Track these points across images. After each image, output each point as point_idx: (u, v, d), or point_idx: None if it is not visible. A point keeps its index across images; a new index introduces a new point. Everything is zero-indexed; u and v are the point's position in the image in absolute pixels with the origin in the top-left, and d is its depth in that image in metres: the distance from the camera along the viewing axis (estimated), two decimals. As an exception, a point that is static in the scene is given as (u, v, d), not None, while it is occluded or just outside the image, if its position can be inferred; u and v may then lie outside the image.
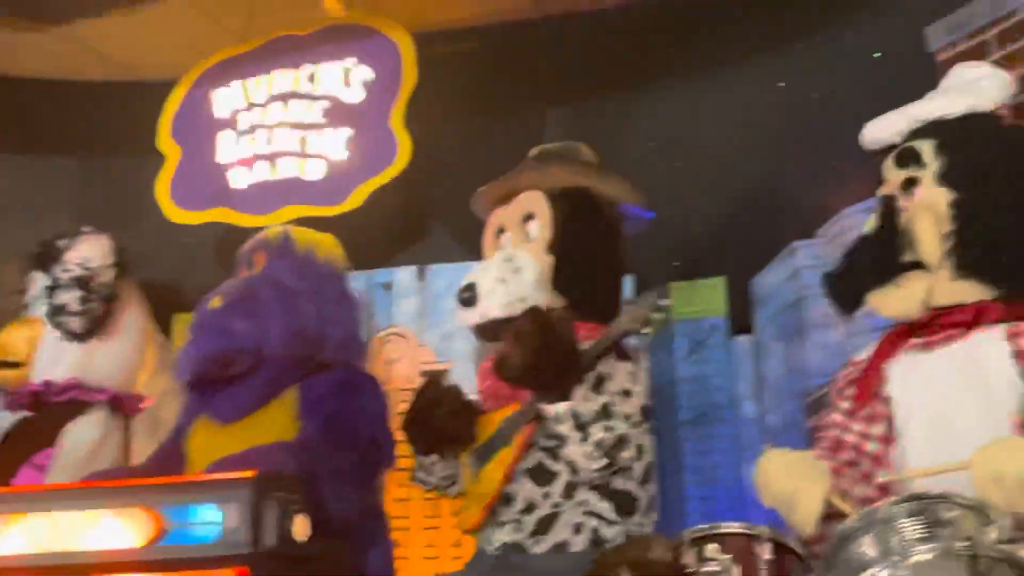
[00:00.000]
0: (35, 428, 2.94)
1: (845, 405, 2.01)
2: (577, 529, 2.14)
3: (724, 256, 2.86)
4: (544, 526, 2.16)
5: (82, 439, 2.86)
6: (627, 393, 2.18)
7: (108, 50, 3.28)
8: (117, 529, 1.83)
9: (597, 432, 2.07)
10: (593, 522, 2.14)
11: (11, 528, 1.90)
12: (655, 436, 2.35)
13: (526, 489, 2.20)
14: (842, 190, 2.64)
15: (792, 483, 1.79)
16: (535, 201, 2.39)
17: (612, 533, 2.14)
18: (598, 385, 2.20)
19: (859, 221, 2.58)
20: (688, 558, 1.66)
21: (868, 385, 1.98)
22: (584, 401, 2.08)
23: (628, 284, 2.56)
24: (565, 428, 2.08)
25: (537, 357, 2.02)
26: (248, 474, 1.84)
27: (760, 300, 2.82)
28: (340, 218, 3.00)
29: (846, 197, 2.64)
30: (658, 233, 2.62)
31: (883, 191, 2.05)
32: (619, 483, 2.17)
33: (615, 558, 1.69)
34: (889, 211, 1.95)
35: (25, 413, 3.01)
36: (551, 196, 2.37)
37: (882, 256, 1.92)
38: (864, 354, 2.05)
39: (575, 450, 2.09)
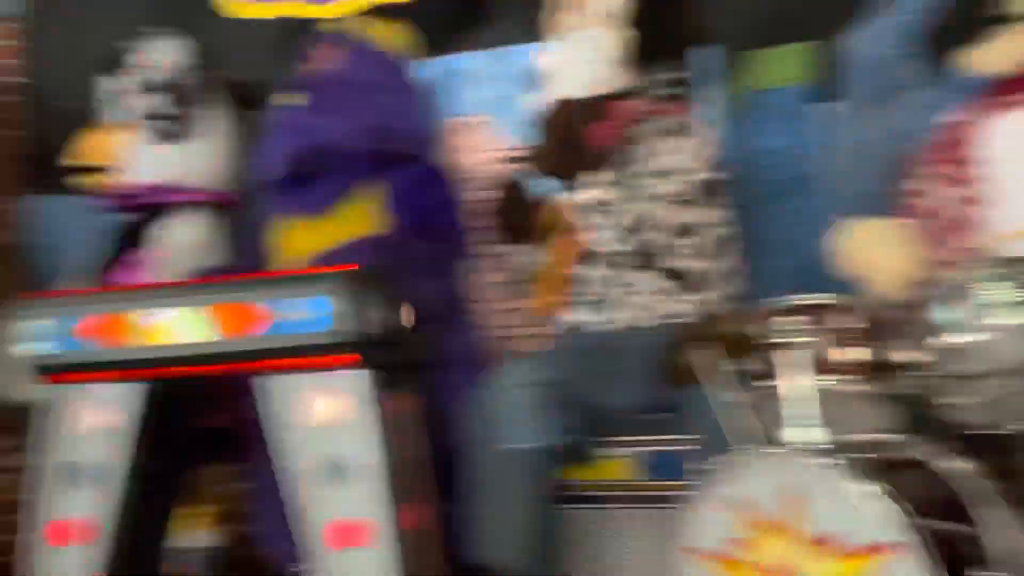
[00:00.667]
0: (136, 230, 3.06)
1: (937, 168, 1.96)
2: (646, 307, 2.19)
3: (809, 18, 2.70)
4: (614, 305, 2.22)
5: (181, 238, 2.95)
6: (677, 171, 2.15)
7: None
8: (229, 322, 1.94)
9: (624, 216, 2.07)
10: (662, 299, 2.19)
11: (128, 322, 2.04)
12: (736, 209, 2.35)
13: (590, 272, 2.26)
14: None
15: (879, 250, 1.78)
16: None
17: (682, 309, 2.18)
18: (640, 164, 2.18)
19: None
20: (767, 329, 1.69)
21: (961, 147, 1.91)
22: (611, 185, 2.07)
23: (705, 56, 2.45)
24: (594, 214, 2.10)
25: (558, 147, 2.00)
26: (353, 266, 1.91)
27: (848, 63, 2.68)
28: (408, 5, 2.91)
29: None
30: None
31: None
32: (685, 260, 2.20)
33: (699, 330, 1.74)
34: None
35: (122, 218, 3.12)
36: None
37: (982, 8, 1.81)
38: (957, 115, 1.97)
39: (605, 235, 2.11)
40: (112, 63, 3.05)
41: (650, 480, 2.13)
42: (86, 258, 3.02)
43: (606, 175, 2.06)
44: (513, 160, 2.97)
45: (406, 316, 2.04)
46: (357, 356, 1.95)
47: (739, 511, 1.51)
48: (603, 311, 2.25)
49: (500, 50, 3.05)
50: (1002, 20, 1.79)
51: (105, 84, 3.14)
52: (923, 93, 2.52)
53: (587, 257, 2.28)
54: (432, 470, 2.06)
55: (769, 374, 1.64)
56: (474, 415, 2.09)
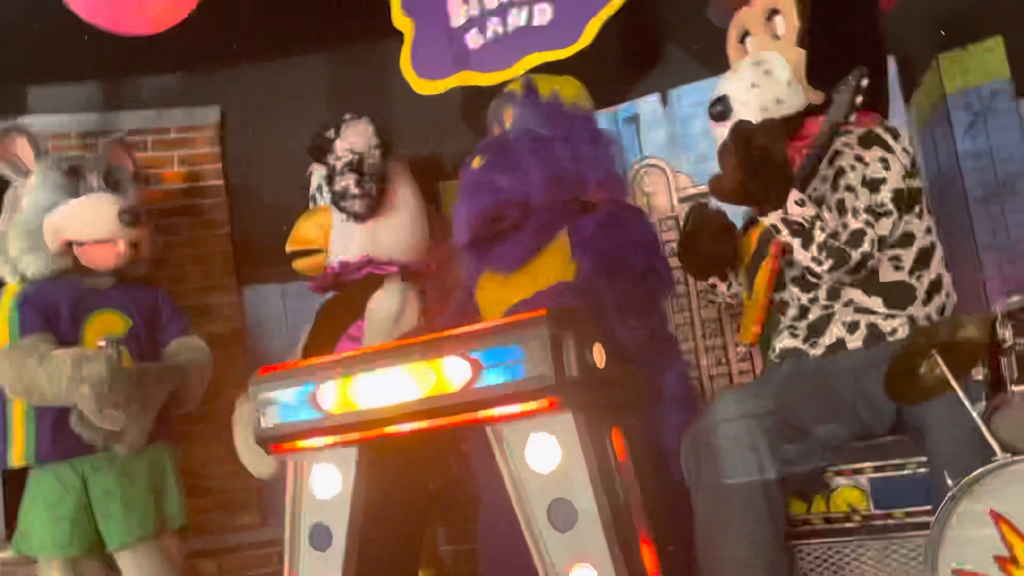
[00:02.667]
0: (343, 305, 3.23)
1: None
2: (851, 328, 2.11)
3: (999, 12, 2.57)
4: (818, 329, 2.15)
5: (385, 308, 3.11)
6: (873, 182, 2.06)
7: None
8: (439, 378, 2.00)
9: (818, 235, 1.99)
10: (866, 318, 2.10)
11: (348, 388, 2.14)
12: (941, 217, 2.24)
13: (795, 295, 2.20)
14: None
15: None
16: (776, -4, 2.26)
17: (890, 326, 2.08)
18: (834, 180, 2.11)
19: None
20: (1004, 333, 1.58)
21: None
22: (802, 205, 2.00)
23: (892, 64, 2.37)
24: (785, 236, 2.03)
25: (739, 173, 1.95)
26: (543, 312, 1.94)
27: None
28: (577, 58, 2.97)
29: None
30: (919, 1, 2.40)
31: None
32: (887, 274, 2.10)
33: (924, 342, 1.64)
34: None
35: (331, 293, 3.31)
36: (791, -13, 2.23)
37: None
38: None
39: (801, 256, 2.04)
40: (313, 151, 3.27)
41: (879, 509, 2.01)
42: (302, 336, 3.22)
43: (799, 195, 2.01)
44: (700, 194, 2.97)
45: (600, 357, 2.04)
46: (559, 399, 1.95)
47: (1006, 525, 1.40)
48: (811, 335, 2.18)
49: (675, 90, 3.05)
50: None
51: (309, 172, 3.38)
52: None
53: (790, 281, 2.23)
54: (653, 510, 2.03)
55: (1011, 378, 1.53)
56: (691, 451, 2.05)
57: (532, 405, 1.94)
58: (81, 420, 2.88)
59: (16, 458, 2.96)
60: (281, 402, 2.21)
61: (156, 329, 3.22)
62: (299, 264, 3.33)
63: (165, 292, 3.40)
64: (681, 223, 2.93)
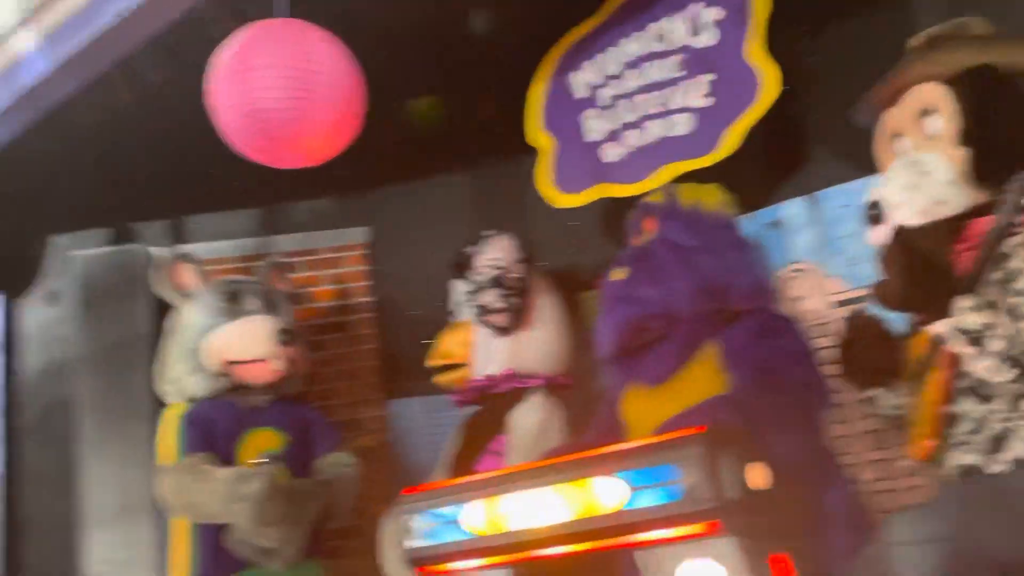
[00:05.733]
0: (485, 419, 3.23)
1: None
2: None
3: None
4: (998, 444, 1.98)
5: (528, 423, 3.09)
6: None
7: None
8: (588, 499, 1.95)
9: (995, 343, 1.85)
10: None
11: (496, 508, 2.11)
12: None
13: (970, 407, 2.04)
14: None
15: None
16: (931, 92, 2.17)
17: None
18: (1005, 284, 1.96)
19: None
20: None
21: None
22: (974, 311, 1.86)
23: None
24: (956, 346, 1.89)
25: (902, 279, 1.85)
26: (700, 430, 1.87)
27: None
28: (718, 165, 2.95)
29: None
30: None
31: None
32: None
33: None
34: None
35: (474, 408, 3.31)
36: (949, 82, 2.15)
37: None
38: None
39: (976, 366, 1.89)
40: (455, 267, 3.34)
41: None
42: (446, 452, 3.22)
43: (970, 300, 1.89)
44: (857, 300, 2.85)
45: (763, 476, 1.94)
46: (718, 523, 1.86)
47: None
48: (990, 450, 2.01)
49: (822, 192, 2.97)
50: None
51: (453, 287, 3.45)
52: None
53: (964, 391, 2.07)
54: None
55: None
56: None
57: (690, 529, 1.85)
58: (239, 537, 2.94)
59: (179, 575, 3.05)
60: (427, 523, 2.19)
61: (309, 445, 3.29)
62: (442, 378, 3.36)
63: (316, 408, 3.50)
64: (835, 330, 2.81)
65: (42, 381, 3.88)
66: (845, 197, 2.89)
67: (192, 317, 3.30)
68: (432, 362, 3.36)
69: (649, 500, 1.90)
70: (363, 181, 3.94)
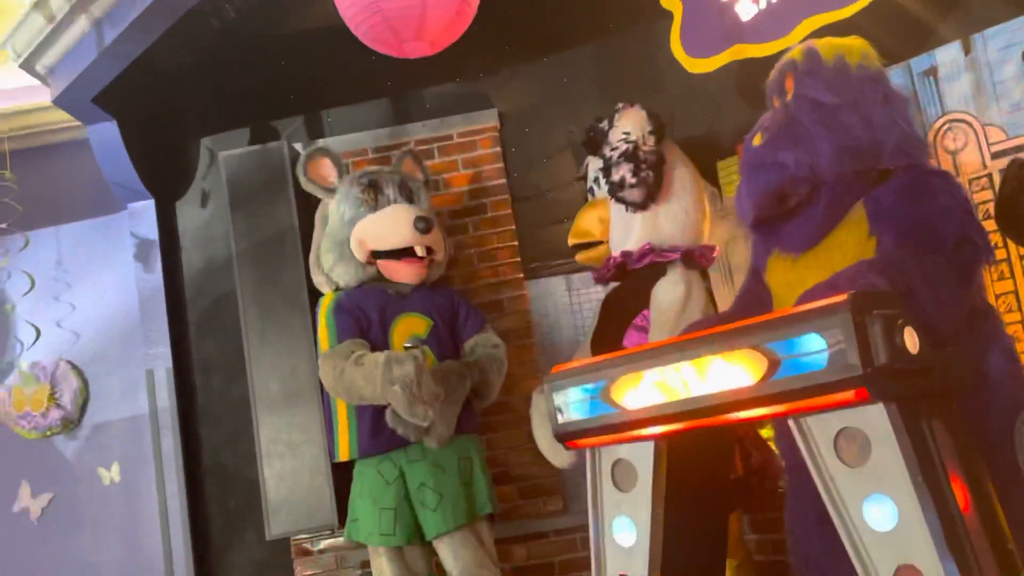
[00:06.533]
0: (627, 295, 3.23)
1: None
2: None
3: None
4: None
5: (670, 296, 3.07)
6: None
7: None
8: (733, 372, 1.93)
9: None
10: None
11: (641, 383, 2.12)
12: None
13: None
14: None
15: None
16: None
17: None
18: None
19: None
20: None
21: None
22: None
23: None
24: None
25: None
26: (843, 296, 1.81)
27: None
28: (860, 14, 2.75)
29: None
30: None
31: None
32: None
33: None
34: None
35: (615, 284, 3.32)
36: None
37: None
38: None
39: None
40: (588, 143, 3.29)
41: None
42: (589, 328, 3.26)
43: None
44: (1015, 150, 2.66)
45: (911, 340, 1.86)
46: (867, 390, 1.81)
47: None
48: None
49: (978, 35, 2.74)
50: None
51: (586, 164, 3.41)
52: None
53: None
54: (984, 507, 1.84)
55: None
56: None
57: (838, 398, 1.81)
58: (395, 417, 3.09)
59: (342, 453, 3.24)
60: (576, 399, 2.23)
61: (455, 328, 3.38)
62: (581, 256, 3.37)
63: (460, 292, 3.58)
64: (997, 182, 2.63)
65: (205, 278, 4.12)
66: (1004, 38, 2.67)
67: (336, 210, 3.39)
68: (571, 241, 3.36)
69: (795, 370, 1.87)
70: (490, 62, 3.90)
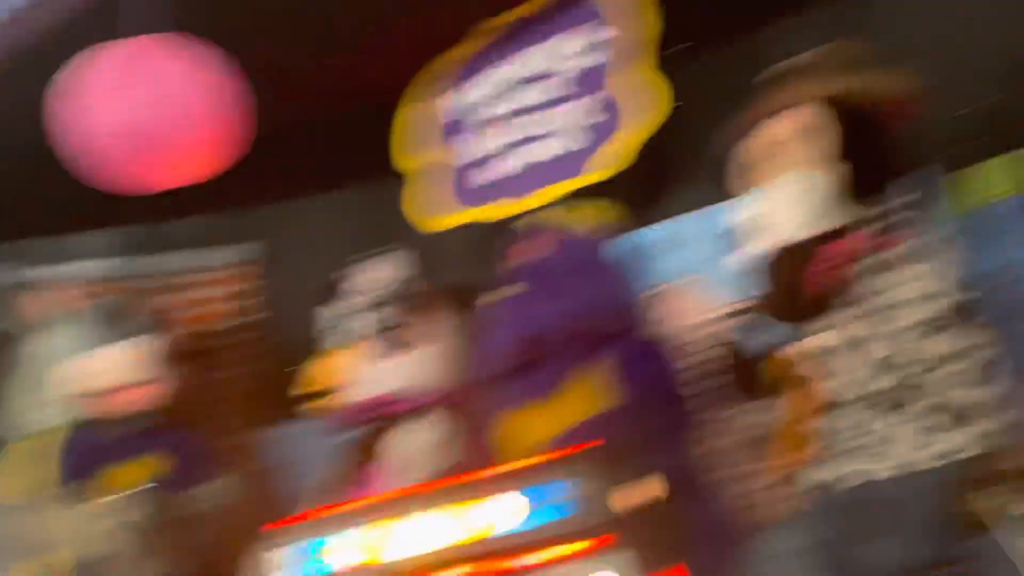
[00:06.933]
0: (367, 445, 3.17)
1: None
2: (910, 450, 2.01)
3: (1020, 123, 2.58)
4: (871, 454, 2.05)
5: (420, 444, 3.05)
6: (921, 298, 2.01)
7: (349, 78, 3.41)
8: (483, 518, 1.92)
9: (869, 354, 1.93)
10: (927, 439, 2.01)
11: (384, 534, 2.06)
12: (991, 330, 2.18)
13: (847, 417, 2.11)
14: None
15: None
16: (806, 114, 2.27)
17: (953, 447, 1.99)
18: (880, 297, 2.06)
19: None
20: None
21: None
22: (838, 328, 1.94)
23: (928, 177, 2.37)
24: (831, 357, 1.96)
25: (780, 294, 1.92)
26: (592, 445, 1.88)
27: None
28: (601, 185, 2.99)
29: None
30: (946, 114, 2.42)
31: None
32: (949, 392, 2.02)
33: (978, 470, 1.56)
34: None
35: (359, 431, 3.24)
36: (822, 104, 2.25)
37: None
38: None
39: (848, 379, 1.97)
40: (335, 289, 3.27)
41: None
42: (326, 478, 3.15)
43: (840, 316, 1.96)
44: (732, 316, 2.93)
45: (658, 488, 1.96)
46: (614, 536, 1.87)
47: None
48: (860, 460, 2.08)
49: (704, 210, 3.04)
50: None
51: (331, 309, 3.37)
52: None
53: (832, 405, 2.15)
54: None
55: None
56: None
57: (587, 544, 1.85)
58: (119, 566, 2.80)
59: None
60: (292, 562, 2.11)
61: (186, 472, 3.15)
62: (324, 402, 3.29)
63: (193, 433, 3.35)
64: (710, 347, 2.88)
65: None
66: (724, 213, 2.97)
67: (50, 344, 3.13)
68: (314, 386, 3.28)
69: (546, 517, 1.90)
70: (247, 197, 3.83)
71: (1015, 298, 2.56)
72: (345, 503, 2.64)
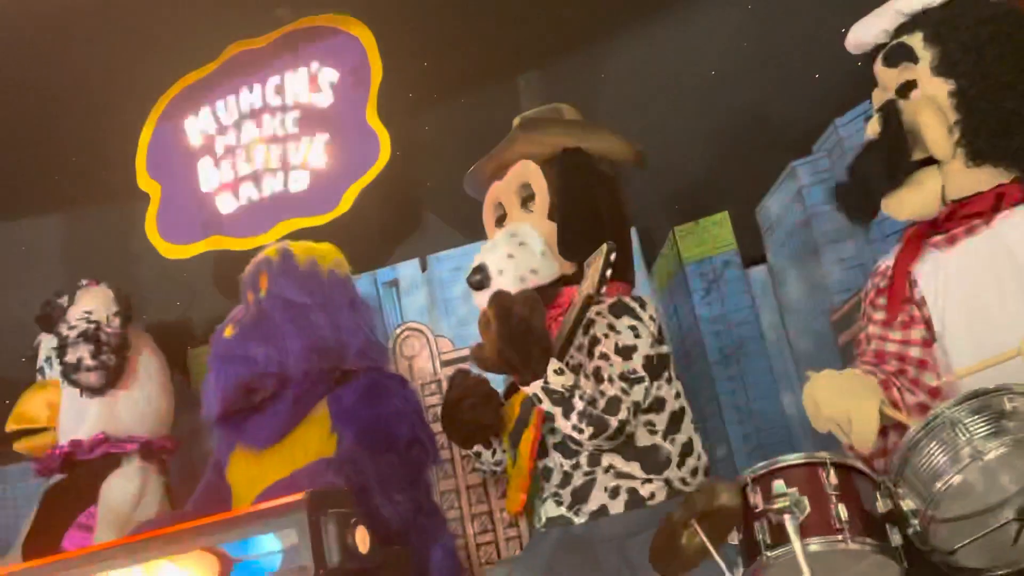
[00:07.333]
0: (72, 489, 2.92)
1: (879, 315, 1.99)
2: (613, 493, 2.12)
3: (724, 190, 2.82)
4: (581, 495, 2.15)
5: (122, 492, 2.84)
6: (625, 349, 2.14)
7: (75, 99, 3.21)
8: (190, 572, 1.81)
9: (577, 403, 2.04)
10: (626, 483, 2.12)
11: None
12: (687, 380, 2.34)
13: (558, 462, 2.20)
14: (832, 101, 2.61)
15: (844, 402, 1.76)
16: (527, 170, 2.36)
17: (648, 490, 2.11)
18: (589, 349, 2.17)
19: (855, 130, 2.57)
20: (754, 498, 1.63)
21: (898, 291, 1.95)
22: (561, 374, 2.04)
23: (633, 236, 2.52)
24: (546, 405, 2.06)
25: (499, 343, 1.99)
26: (300, 496, 1.82)
27: (768, 227, 2.80)
28: (334, 224, 2.96)
29: (837, 108, 2.60)
30: (655, 179, 2.59)
31: (879, 95, 2.02)
32: (642, 439, 2.14)
33: (684, 512, 1.67)
34: (890, 113, 1.91)
35: (59, 476, 2.99)
36: (543, 162, 2.34)
37: (890, 158, 1.89)
38: (887, 262, 2.02)
39: (562, 424, 2.07)
40: (42, 320, 3.01)
41: None
42: (25, 529, 2.87)
43: (558, 364, 2.04)
44: (462, 358, 2.97)
45: (363, 539, 1.93)
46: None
47: None
48: (575, 502, 2.16)
49: (433, 256, 3.08)
50: (916, 165, 1.88)
51: (37, 342, 3.10)
52: (845, 245, 2.64)
53: (551, 448, 2.23)
54: None
55: (764, 543, 1.58)
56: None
57: (290, 599, 1.78)
58: None
59: None
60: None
61: None
62: (23, 444, 3.01)
63: None
64: (442, 389, 2.91)
65: None
66: (456, 261, 3.03)
67: None
68: (11, 426, 2.99)
69: (249, 572, 1.82)
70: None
71: (710, 351, 2.78)
72: (47, 560, 2.42)
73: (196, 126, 3.21)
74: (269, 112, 3.09)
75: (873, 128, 1.94)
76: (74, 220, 3.65)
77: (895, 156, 1.88)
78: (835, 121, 2.65)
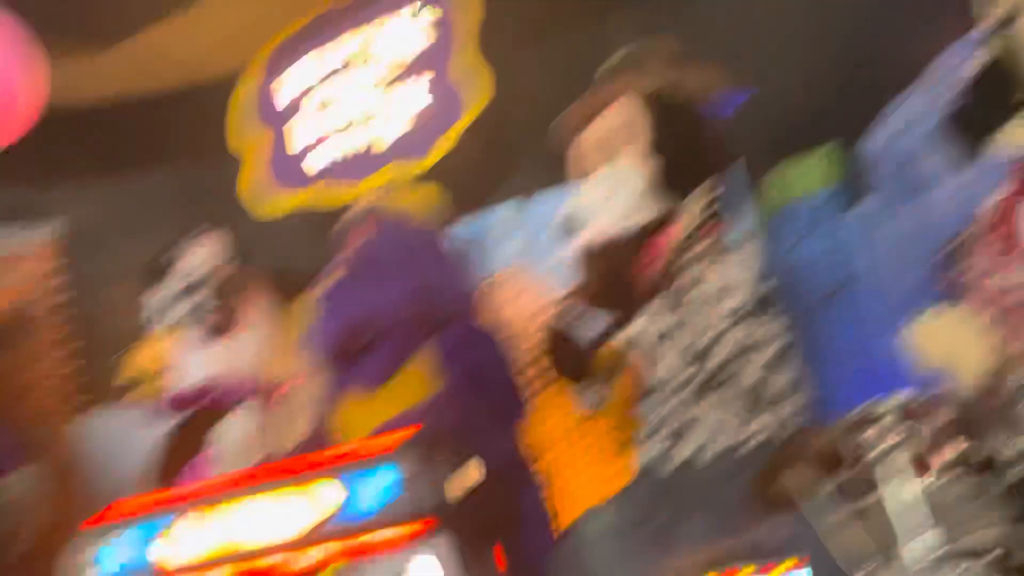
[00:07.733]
0: (189, 433, 3.06)
1: (994, 250, 1.93)
2: (722, 433, 2.12)
3: (828, 125, 2.74)
4: (680, 436, 2.15)
5: (236, 435, 2.96)
6: (728, 289, 2.12)
7: (174, 56, 3.30)
8: (304, 507, 1.91)
9: (678, 343, 2.03)
10: (737, 422, 2.12)
11: (200, 525, 2.01)
12: (789, 319, 2.31)
13: (656, 404, 2.20)
14: (943, 32, 2.50)
15: (955, 340, 1.73)
16: (626, 108, 2.34)
17: (759, 428, 2.11)
18: (691, 288, 2.15)
19: (964, 59, 2.46)
20: (856, 440, 1.63)
21: (1009, 227, 1.89)
22: (658, 315, 2.03)
23: (736, 171, 2.48)
24: (645, 346, 2.05)
25: (598, 285, 1.99)
26: (411, 432, 1.89)
27: (873, 163, 2.72)
28: (432, 169, 2.99)
29: (948, 38, 2.50)
30: (757, 112, 2.54)
31: (985, 23, 1.94)
32: (745, 378, 2.14)
33: (783, 451, 1.68)
34: (1001, 40, 1.83)
35: (176, 421, 3.13)
36: (641, 99, 2.32)
37: (1005, 86, 1.82)
38: (997, 196, 1.96)
39: (662, 365, 2.06)
40: (153, 272, 3.12)
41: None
42: (147, 468, 3.02)
43: (657, 305, 2.04)
44: (558, 305, 2.99)
45: (476, 473, 2.00)
46: (435, 521, 1.89)
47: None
48: (676, 444, 2.18)
49: (531, 198, 3.09)
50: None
51: (149, 294, 3.22)
52: (953, 180, 2.55)
53: (650, 391, 2.24)
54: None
55: (868, 485, 1.57)
56: (566, 567, 2.00)
57: (409, 529, 1.87)
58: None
59: None
60: (117, 553, 2.03)
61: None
62: (143, 390, 3.15)
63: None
64: (540, 333, 2.94)
65: None
66: (554, 203, 3.03)
67: None
68: (130, 373, 3.14)
69: (367, 503, 1.90)
70: (53, 171, 3.61)
71: (811, 291, 2.73)
72: (165, 495, 2.56)
73: (292, 79, 3.26)
74: (367, 59, 3.11)
75: (983, 57, 1.87)
76: (183, 173, 3.77)
77: (1010, 83, 1.81)
78: (944, 51, 2.54)
